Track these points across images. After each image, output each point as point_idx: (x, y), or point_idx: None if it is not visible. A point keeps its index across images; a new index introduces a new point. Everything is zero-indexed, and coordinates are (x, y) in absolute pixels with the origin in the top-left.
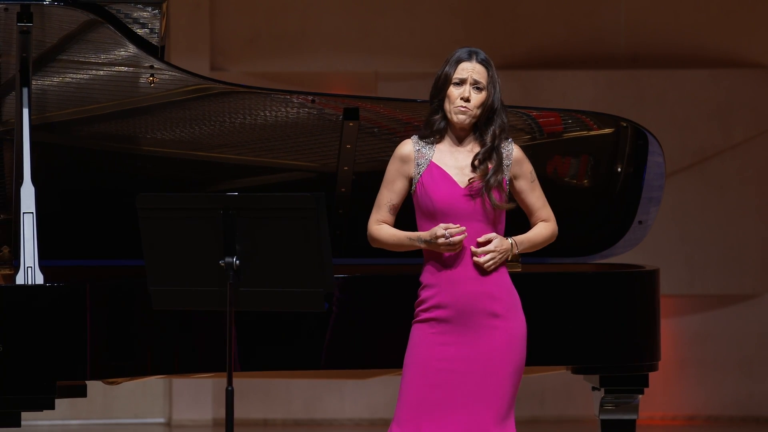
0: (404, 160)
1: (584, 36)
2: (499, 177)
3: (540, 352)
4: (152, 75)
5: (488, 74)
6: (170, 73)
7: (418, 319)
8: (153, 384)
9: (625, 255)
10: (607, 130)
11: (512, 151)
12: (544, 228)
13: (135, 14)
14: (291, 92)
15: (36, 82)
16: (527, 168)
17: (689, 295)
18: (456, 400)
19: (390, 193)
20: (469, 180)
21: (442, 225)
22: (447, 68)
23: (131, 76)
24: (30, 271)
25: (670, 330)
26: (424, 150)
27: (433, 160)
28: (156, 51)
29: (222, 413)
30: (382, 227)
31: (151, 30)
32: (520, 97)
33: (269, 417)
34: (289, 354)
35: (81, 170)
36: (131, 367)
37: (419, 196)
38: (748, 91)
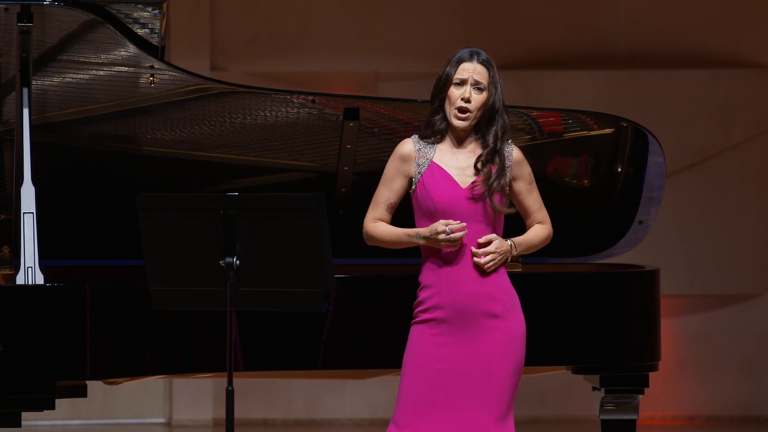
0: (404, 159)
1: (584, 36)
2: (502, 181)
3: (540, 352)
4: (152, 75)
5: (489, 75)
6: (170, 73)
7: (417, 320)
8: (153, 384)
9: (626, 255)
10: (607, 130)
11: (512, 152)
12: (540, 230)
13: (135, 14)
14: (291, 92)
15: (36, 82)
16: (526, 170)
17: (689, 295)
18: (455, 400)
19: (388, 192)
20: (471, 183)
21: (442, 221)
22: (448, 68)
23: (131, 76)
24: (30, 271)
25: (670, 330)
26: (425, 150)
27: (434, 160)
28: (156, 51)
29: (222, 413)
30: (378, 225)
31: (152, 30)
32: (521, 97)
33: (269, 417)
34: (290, 354)
35: (81, 170)
36: (131, 367)
37: (419, 196)
38: (748, 91)
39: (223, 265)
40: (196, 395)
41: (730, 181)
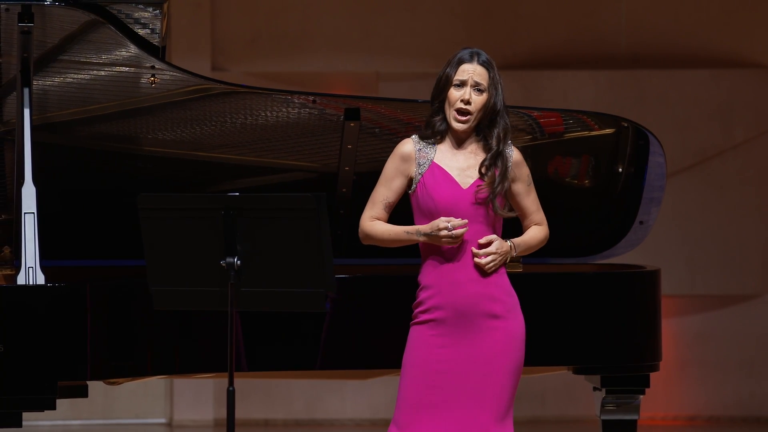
0: (405, 158)
1: (585, 36)
2: (505, 185)
3: (541, 352)
4: (153, 75)
5: (489, 76)
6: (171, 73)
7: (416, 320)
8: (154, 384)
9: (626, 255)
10: (608, 131)
11: (512, 153)
12: (538, 231)
13: (136, 14)
14: (292, 92)
15: (37, 83)
16: (525, 171)
17: (690, 296)
18: (455, 400)
19: (387, 191)
20: (475, 185)
21: (443, 218)
22: (448, 69)
23: (132, 77)
24: (31, 272)
25: (671, 330)
26: (425, 150)
27: (434, 160)
28: (157, 51)
29: (223, 413)
30: (375, 223)
31: (152, 30)
32: (521, 98)
33: (270, 417)
34: (291, 354)
35: (82, 170)
36: (132, 367)
37: (420, 197)
38: (749, 91)
39: (223, 265)
40: (197, 395)
41: (731, 182)
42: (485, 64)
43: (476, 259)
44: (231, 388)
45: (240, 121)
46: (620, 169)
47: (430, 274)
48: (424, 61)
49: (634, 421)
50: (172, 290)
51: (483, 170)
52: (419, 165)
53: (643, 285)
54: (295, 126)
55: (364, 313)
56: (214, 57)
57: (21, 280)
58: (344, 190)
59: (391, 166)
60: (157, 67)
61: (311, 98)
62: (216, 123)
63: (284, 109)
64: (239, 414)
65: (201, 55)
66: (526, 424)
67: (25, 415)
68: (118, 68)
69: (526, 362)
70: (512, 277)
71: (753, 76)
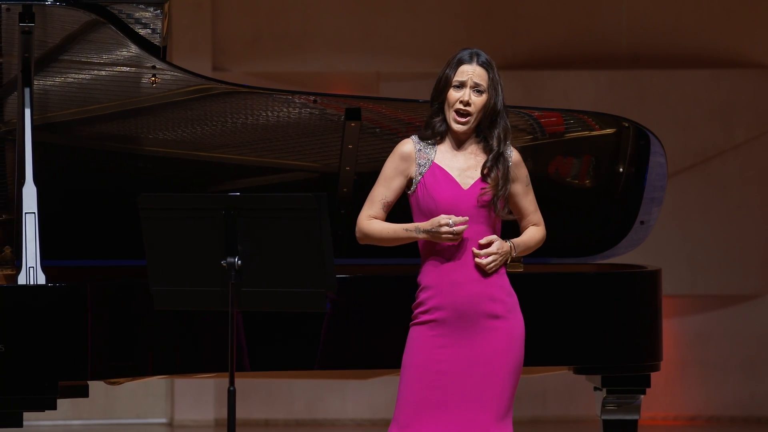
0: (405, 158)
1: (586, 36)
2: (508, 188)
3: (542, 352)
4: (154, 75)
5: (489, 76)
6: (172, 73)
7: (416, 321)
8: (155, 384)
9: (627, 255)
10: (608, 131)
11: (511, 154)
12: (536, 231)
13: (137, 14)
14: (293, 92)
15: (38, 83)
16: (523, 172)
17: (691, 296)
18: (455, 400)
19: (386, 190)
20: (480, 188)
21: (443, 215)
22: (448, 70)
23: (133, 77)
24: (32, 272)
25: (672, 330)
26: (425, 150)
27: (435, 161)
28: (158, 51)
29: (224, 413)
30: (373, 222)
31: (153, 30)
32: (522, 98)
33: (271, 417)
34: (292, 354)
35: (83, 170)
36: (133, 367)
37: (420, 197)
38: (749, 91)
39: (224, 265)
40: (198, 395)
41: (732, 182)
42: (485, 65)
43: (477, 260)
44: (232, 388)
45: (241, 121)
46: (621, 169)
47: (430, 274)
48: (424, 61)
49: (635, 421)
50: (172, 290)
51: (485, 171)
52: (419, 165)
53: (643, 285)
54: (296, 126)
55: (364, 313)
56: (214, 57)
57: (22, 280)
58: (345, 190)
59: (391, 165)
60: (157, 67)
61: (312, 98)
62: (217, 123)
63: (285, 109)
64: (240, 414)
65: (202, 55)
66: (527, 424)
67: (25, 415)
68: (119, 68)
69: (527, 362)
70: (513, 277)
71: (754, 76)
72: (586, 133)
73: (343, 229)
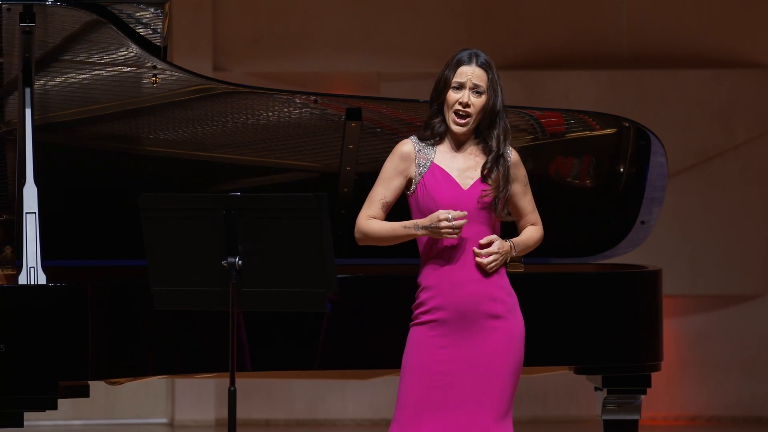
0: (405, 158)
1: (586, 36)
2: (509, 188)
3: (543, 352)
4: (155, 75)
5: (488, 77)
6: (173, 73)
7: (416, 321)
8: (155, 384)
9: (628, 255)
10: (609, 131)
11: (510, 154)
12: (534, 231)
13: (138, 14)
14: (293, 92)
15: (38, 83)
16: (522, 172)
17: (692, 296)
18: (456, 400)
19: (385, 190)
20: (480, 189)
21: (442, 210)
22: (447, 71)
23: (134, 77)
24: (33, 272)
25: (672, 330)
26: (425, 151)
27: (434, 161)
28: (158, 51)
29: (224, 413)
30: (372, 221)
31: (154, 30)
32: (523, 98)
33: (272, 417)
34: (293, 354)
35: (83, 170)
36: (133, 367)
37: (420, 197)
38: (750, 91)
39: (225, 265)
40: (199, 395)
41: (733, 182)
42: (484, 66)
43: (478, 259)
44: (232, 388)
45: (241, 121)
46: (622, 169)
47: (430, 275)
48: (425, 61)
49: (636, 421)
50: (173, 290)
51: (485, 173)
52: (419, 166)
53: (644, 285)
54: (297, 126)
55: (365, 313)
56: (215, 57)
57: (22, 280)
58: (346, 190)
59: (390, 165)
60: (158, 67)
61: (313, 98)
62: (217, 123)
63: (286, 109)
64: (241, 414)
65: (202, 56)
66: (528, 424)
67: (26, 415)
68: (119, 68)
69: (527, 362)
70: (514, 277)
71: (754, 76)
72: (587, 133)
73: (343, 229)
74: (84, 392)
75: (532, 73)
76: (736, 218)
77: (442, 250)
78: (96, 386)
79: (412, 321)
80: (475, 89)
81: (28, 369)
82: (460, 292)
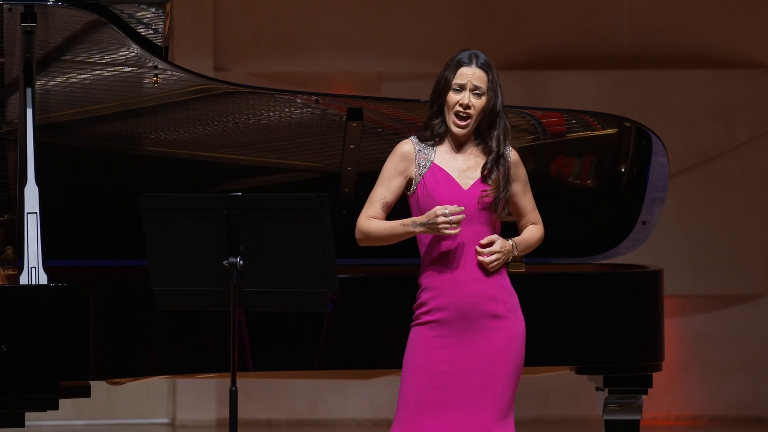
0: (405, 158)
1: (587, 36)
2: (509, 189)
3: (544, 352)
4: (156, 75)
5: (488, 78)
6: (174, 73)
7: (417, 321)
8: (157, 384)
9: (629, 255)
10: (610, 131)
11: (510, 154)
12: (535, 230)
13: (139, 14)
14: (295, 92)
15: (39, 83)
16: (522, 171)
17: (693, 296)
18: (457, 400)
19: (385, 190)
20: (480, 190)
21: (439, 206)
22: (447, 73)
23: (135, 77)
24: (34, 272)
25: (673, 330)
26: (425, 151)
27: (435, 161)
28: (159, 51)
29: (226, 413)
30: (371, 221)
31: (155, 30)
32: (524, 98)
33: (273, 417)
34: (295, 354)
35: (84, 170)
36: (134, 367)
37: (420, 197)
38: (751, 91)
39: (226, 265)
40: (200, 395)
41: (734, 182)
42: (484, 67)
43: (480, 258)
44: (234, 388)
45: (243, 121)
46: (623, 169)
47: (431, 275)
48: (426, 61)
49: (637, 421)
50: (174, 290)
51: (486, 173)
52: (419, 166)
53: (645, 285)
54: (298, 126)
55: (366, 313)
56: (216, 57)
57: (24, 280)
58: (347, 190)
59: (391, 165)
60: (159, 67)
61: (314, 98)
62: (219, 123)
63: (287, 109)
64: (242, 414)
65: (203, 56)
66: (529, 424)
67: (27, 415)
68: (120, 68)
69: (528, 362)
70: (515, 277)
71: (755, 76)
72: (588, 133)
73: (344, 229)
74: (85, 392)
75: (533, 73)
76: (737, 218)
77: (443, 250)
78: (97, 386)
79: (413, 321)
80: (476, 91)
81: (29, 369)
82: (461, 292)
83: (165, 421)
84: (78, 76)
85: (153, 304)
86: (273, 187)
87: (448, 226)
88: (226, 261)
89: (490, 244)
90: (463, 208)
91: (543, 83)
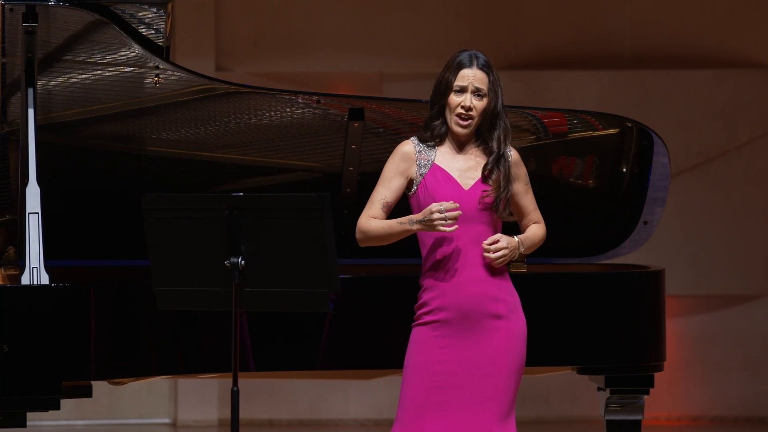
0: (405, 158)
1: (589, 36)
2: (510, 189)
3: (545, 352)
4: (157, 75)
5: (489, 80)
6: (175, 73)
7: (419, 321)
8: (158, 384)
9: (631, 255)
10: (612, 131)
11: (510, 154)
12: (538, 229)
13: (140, 15)
14: (296, 93)
15: (41, 83)
16: (522, 171)
17: (694, 296)
18: (458, 400)
19: (386, 191)
20: (481, 190)
21: (435, 203)
22: (447, 74)
23: (136, 77)
24: (35, 272)
25: (675, 330)
26: (425, 152)
27: (435, 162)
28: (161, 51)
29: (227, 414)
30: (371, 220)
31: (156, 30)
32: (525, 98)
33: (274, 417)
34: (297, 354)
35: (86, 171)
36: (136, 367)
37: (421, 198)
38: (752, 91)
39: (227, 265)
40: (201, 395)
41: (735, 182)
42: (484, 68)
43: (486, 255)
44: (235, 389)
45: (244, 121)
46: (624, 169)
47: (432, 275)
48: (427, 61)
49: (639, 422)
50: (176, 290)
51: (487, 174)
52: (420, 166)
53: (647, 285)
54: (299, 126)
55: (367, 313)
56: (217, 57)
57: (25, 280)
58: (348, 190)
59: (391, 166)
60: (161, 67)
61: (315, 98)
62: (220, 123)
63: (288, 109)
64: (243, 414)
65: (205, 56)
66: (530, 424)
67: (29, 415)
68: (122, 68)
69: (530, 362)
70: (517, 277)
71: (757, 76)
72: (590, 133)
73: (346, 229)
74: (87, 392)
75: (535, 73)
76: (738, 218)
77: (444, 251)
78: (99, 386)
79: (414, 321)
80: (477, 92)
81: (31, 369)
82: (463, 292)
83: (166, 421)
84: (79, 76)
85: (154, 304)
86: (274, 187)
87: (443, 222)
88: (227, 261)
89: (496, 242)
90: (458, 204)
91: (544, 83)
